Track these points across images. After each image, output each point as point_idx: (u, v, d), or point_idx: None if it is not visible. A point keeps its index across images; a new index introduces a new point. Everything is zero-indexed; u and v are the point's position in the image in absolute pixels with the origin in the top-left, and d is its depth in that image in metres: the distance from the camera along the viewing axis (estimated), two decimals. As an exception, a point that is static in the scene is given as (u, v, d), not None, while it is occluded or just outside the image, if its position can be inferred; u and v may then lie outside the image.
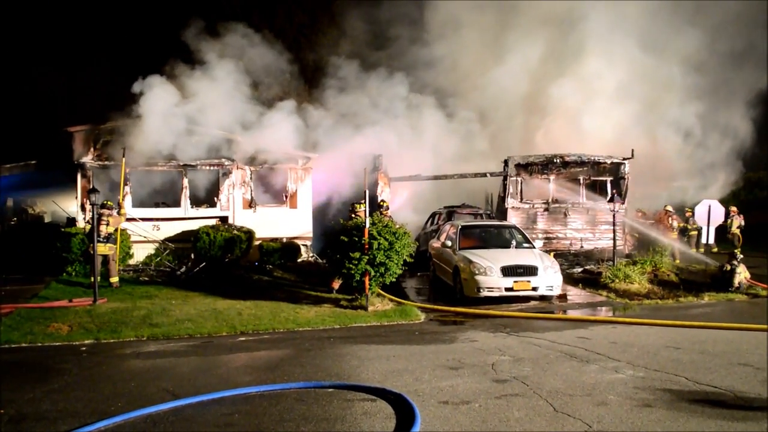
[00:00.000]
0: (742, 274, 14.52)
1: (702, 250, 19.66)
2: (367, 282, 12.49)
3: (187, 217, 18.66)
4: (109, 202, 14.56)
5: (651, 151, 22.28)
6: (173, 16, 18.87)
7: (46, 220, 29.41)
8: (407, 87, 23.34)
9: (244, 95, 18.24)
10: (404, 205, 21.74)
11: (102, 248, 13.92)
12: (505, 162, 19.75)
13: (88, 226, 14.66)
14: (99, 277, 13.29)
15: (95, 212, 13.04)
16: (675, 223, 20.41)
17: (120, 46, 30.60)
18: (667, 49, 24.04)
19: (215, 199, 19.18)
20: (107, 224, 14.29)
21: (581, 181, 20.00)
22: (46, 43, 31.21)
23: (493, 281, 12.96)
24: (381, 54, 26.89)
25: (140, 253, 17.98)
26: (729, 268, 14.68)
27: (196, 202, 19.20)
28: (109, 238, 14.38)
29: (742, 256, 14.94)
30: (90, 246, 14.23)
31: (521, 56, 24.79)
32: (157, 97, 16.73)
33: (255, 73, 18.95)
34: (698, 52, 23.67)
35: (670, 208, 20.81)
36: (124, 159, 16.21)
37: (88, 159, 18.07)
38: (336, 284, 14.10)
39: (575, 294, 14.69)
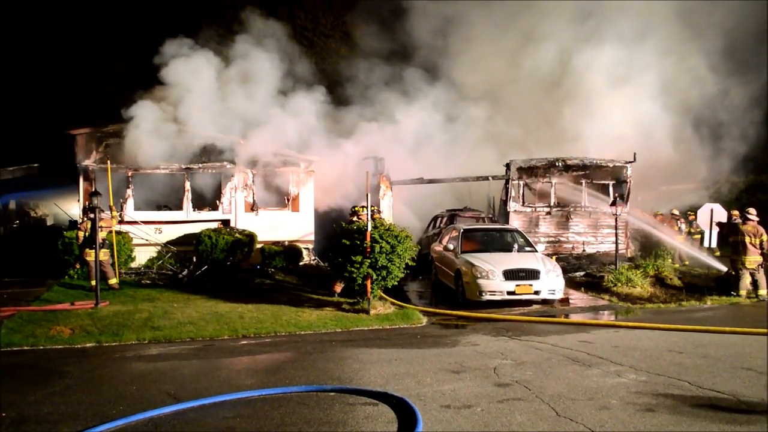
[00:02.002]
0: (748, 280, 14.45)
1: (705, 253, 19.62)
2: (369, 285, 12.48)
3: (189, 220, 18.68)
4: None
5: (663, 150, 22.33)
6: (176, 19, 18.92)
7: (49, 222, 29.49)
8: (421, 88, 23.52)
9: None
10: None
11: (94, 254, 13.87)
12: (507, 165, 19.74)
13: (81, 233, 14.63)
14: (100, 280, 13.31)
15: (97, 216, 13.04)
16: (684, 227, 20.39)
17: (123, 49, 30.68)
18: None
19: (217, 202, 19.21)
20: (101, 229, 14.28)
21: (583, 185, 19.98)
22: (48, 45, 31.30)
23: (495, 285, 12.96)
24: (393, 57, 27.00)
25: (142, 256, 18.00)
26: (734, 273, 14.64)
27: (198, 205, 19.22)
28: (103, 243, 14.38)
29: None
30: (85, 251, 14.29)
31: (546, 41, 24.79)
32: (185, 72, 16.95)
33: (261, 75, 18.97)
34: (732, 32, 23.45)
35: (676, 211, 20.79)
36: (109, 161, 16.24)
37: (90, 161, 18.12)
38: (338, 287, 14.10)
39: (577, 298, 14.67)
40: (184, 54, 17.52)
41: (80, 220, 15.84)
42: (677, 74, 24.01)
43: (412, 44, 27.32)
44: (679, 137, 23.51)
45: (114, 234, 15.16)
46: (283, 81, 19.08)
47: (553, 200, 19.83)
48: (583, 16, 24.61)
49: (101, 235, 14.15)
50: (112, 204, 15.57)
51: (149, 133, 16.90)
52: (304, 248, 19.31)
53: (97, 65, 30.66)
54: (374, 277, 12.47)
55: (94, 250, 13.26)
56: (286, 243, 18.85)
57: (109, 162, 16.21)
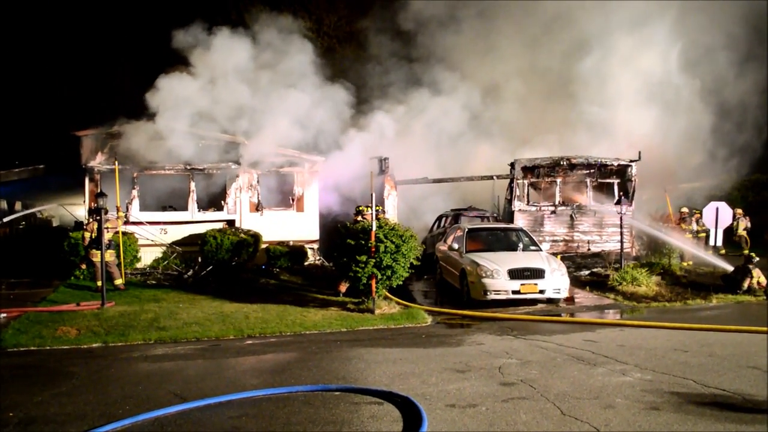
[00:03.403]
0: (755, 278, 14.44)
1: (710, 252, 19.59)
2: (373, 285, 12.50)
3: (194, 221, 18.71)
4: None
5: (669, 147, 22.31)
6: (180, 20, 18.95)
7: (54, 223, 29.58)
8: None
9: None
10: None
11: (99, 255, 13.90)
12: (512, 165, 19.71)
13: (87, 234, 14.68)
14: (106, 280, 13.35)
15: (102, 217, 13.08)
16: (695, 225, 20.33)
17: (129, 50, 30.75)
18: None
19: (222, 202, 19.23)
20: (107, 230, 14.31)
21: (588, 184, 19.94)
22: (54, 47, 31.40)
23: (500, 284, 12.95)
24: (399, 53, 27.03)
25: (148, 257, 18.03)
26: (742, 270, 14.63)
27: (203, 205, 19.26)
28: (109, 245, 14.42)
29: (758, 259, 14.85)
30: (91, 252, 14.35)
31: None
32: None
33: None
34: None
35: (685, 209, 20.74)
36: (116, 162, 16.28)
37: (96, 163, 18.16)
38: (343, 287, 14.10)
39: (582, 297, 14.65)
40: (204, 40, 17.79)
41: (86, 221, 15.89)
42: (688, 68, 23.89)
43: (416, 43, 27.31)
44: (686, 135, 23.41)
45: (120, 235, 15.20)
46: (290, 78, 18.99)
47: (557, 199, 19.80)
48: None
49: (107, 236, 14.21)
50: (118, 205, 15.61)
51: (165, 124, 17.05)
52: (309, 248, 19.31)
53: (102, 65, 30.72)
54: (379, 276, 12.48)
55: (99, 251, 13.30)
56: (291, 243, 18.86)
57: (116, 163, 16.26)
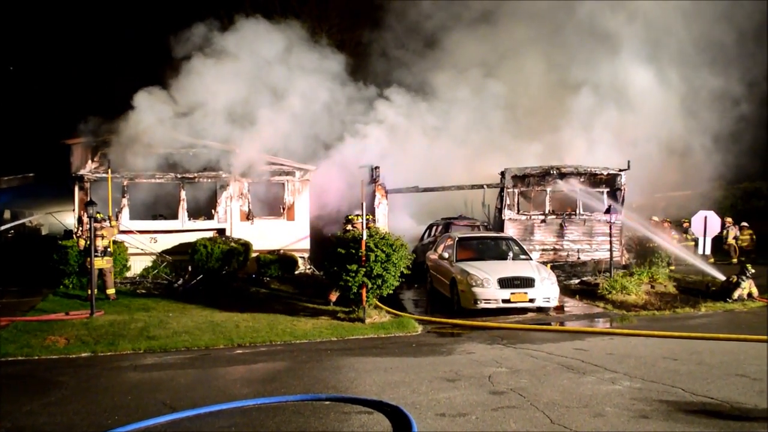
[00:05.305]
0: (746, 289, 14.57)
1: (699, 260, 19.72)
2: (364, 294, 12.49)
3: (184, 230, 18.63)
4: (99, 214, 14.45)
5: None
6: (171, 28, 18.97)
7: (44, 232, 29.42)
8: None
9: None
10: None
11: (99, 262, 13.90)
12: (502, 174, 19.79)
13: (81, 241, 14.62)
14: (96, 290, 13.28)
15: (92, 225, 13.03)
16: (675, 233, 20.52)
17: (119, 59, 30.71)
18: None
19: (213, 211, 19.18)
20: (102, 237, 14.28)
21: (578, 193, 20.01)
22: (44, 55, 31.35)
23: (490, 293, 12.98)
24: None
25: (137, 266, 17.94)
26: (735, 280, 14.75)
27: (193, 214, 19.20)
28: (105, 252, 14.37)
29: (753, 271, 14.95)
30: (87, 260, 14.28)
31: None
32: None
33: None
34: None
35: (656, 218, 20.90)
36: (110, 171, 16.21)
37: (85, 171, 18.07)
38: (333, 296, 14.09)
39: (572, 305, 14.71)
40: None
41: (74, 229, 15.79)
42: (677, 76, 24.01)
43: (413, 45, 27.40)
44: (675, 143, 23.53)
45: (111, 243, 15.16)
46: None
47: (548, 208, 19.88)
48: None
49: (103, 243, 14.19)
50: (111, 214, 15.56)
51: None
52: (300, 257, 19.26)
53: (93, 74, 30.68)
54: (369, 285, 12.48)
55: (97, 259, 13.25)
56: (282, 252, 18.82)
57: (109, 171, 16.20)
